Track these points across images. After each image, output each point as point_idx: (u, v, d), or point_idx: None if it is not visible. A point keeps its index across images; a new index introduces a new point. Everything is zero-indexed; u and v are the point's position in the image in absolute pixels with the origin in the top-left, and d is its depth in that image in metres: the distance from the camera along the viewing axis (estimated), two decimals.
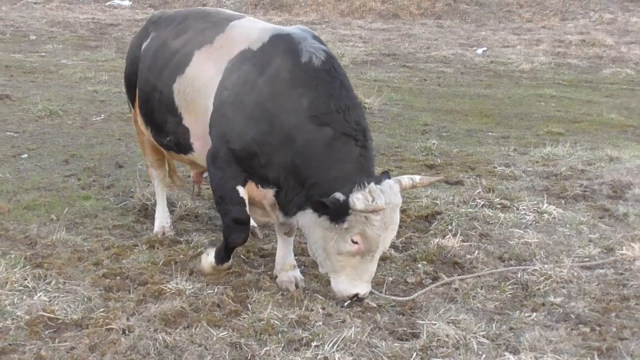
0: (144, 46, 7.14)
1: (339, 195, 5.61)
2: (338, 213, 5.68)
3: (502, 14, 29.93)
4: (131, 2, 31.00)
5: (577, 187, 9.47)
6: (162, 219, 7.76)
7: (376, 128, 12.87)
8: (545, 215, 8.32)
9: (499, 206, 8.64)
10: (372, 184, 5.65)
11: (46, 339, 5.51)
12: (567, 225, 8.07)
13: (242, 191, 6.09)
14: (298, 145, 5.85)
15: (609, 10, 29.48)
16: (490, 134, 12.93)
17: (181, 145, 6.69)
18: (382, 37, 25.61)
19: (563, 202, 8.92)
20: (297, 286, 6.54)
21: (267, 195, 6.15)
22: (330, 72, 5.97)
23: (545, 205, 8.54)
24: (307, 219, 5.98)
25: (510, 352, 5.38)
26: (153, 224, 7.92)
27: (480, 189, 9.15)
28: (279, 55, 6.05)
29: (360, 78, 18.17)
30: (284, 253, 6.69)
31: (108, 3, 31.09)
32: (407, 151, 11.33)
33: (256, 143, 5.92)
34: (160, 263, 6.93)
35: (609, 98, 16.57)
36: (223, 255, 6.28)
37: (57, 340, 5.48)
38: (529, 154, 11.29)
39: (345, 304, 6.01)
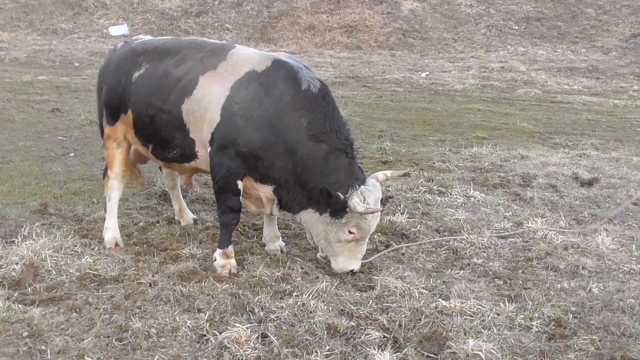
0: (136, 75, 6.42)
1: (340, 194, 5.70)
2: (338, 208, 5.76)
3: (441, 47, 29.99)
4: (151, 37, 30.89)
5: (496, 177, 9.57)
6: (114, 231, 6.79)
7: None
8: (472, 199, 8.42)
9: (436, 192, 8.72)
10: (362, 187, 5.76)
11: (92, 290, 5.63)
12: (488, 206, 8.17)
13: (240, 184, 6.03)
14: (299, 157, 5.83)
15: (522, 44, 29.61)
16: (430, 138, 12.97)
17: (186, 155, 6.27)
18: (348, 64, 25.61)
19: (485, 189, 9.01)
20: (281, 252, 6.62)
21: (266, 190, 6.08)
22: (325, 98, 5.93)
23: (472, 191, 8.64)
24: (309, 216, 6.02)
25: (443, 299, 5.48)
26: (171, 206, 8.00)
27: (422, 179, 9.25)
28: (282, 81, 5.90)
29: None
30: (270, 228, 6.70)
31: (134, 37, 30.97)
32: (366, 151, 11.36)
33: (262, 150, 5.83)
34: (177, 234, 7.03)
35: (521, 111, 16.68)
36: (224, 239, 6.18)
37: (100, 290, 5.60)
38: (460, 153, 11.37)
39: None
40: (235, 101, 5.87)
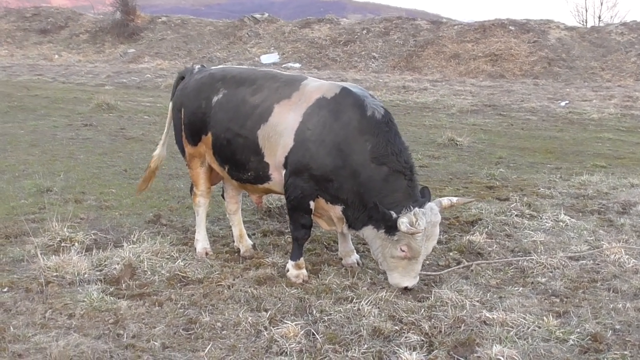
0: (215, 99, 6.95)
1: (392, 213, 6.10)
2: (390, 226, 6.15)
3: (587, 75, 29.48)
4: (300, 65, 32.18)
5: (596, 204, 9.59)
6: (203, 242, 7.51)
7: (461, 160, 13.32)
8: (560, 223, 8.49)
9: (527, 216, 8.87)
10: (417, 209, 6.07)
11: (176, 289, 6.34)
12: (574, 231, 8.24)
13: (312, 204, 6.55)
14: (362, 179, 6.26)
15: None
16: (547, 165, 12.97)
17: (260, 177, 6.78)
18: (487, 92, 25.67)
19: (580, 214, 9.07)
20: (358, 264, 7.09)
21: (336, 210, 6.56)
22: (387, 124, 6.38)
23: (562, 215, 8.72)
24: (369, 232, 6.43)
25: (488, 310, 5.77)
26: (273, 221, 8.69)
27: (517, 203, 9.42)
28: (350, 108, 6.36)
29: (461, 123, 18.57)
30: (345, 244, 7.15)
31: (283, 65, 32.38)
32: (476, 176, 11.66)
33: (333, 173, 6.30)
34: (266, 244, 7.70)
35: None
36: (296, 252, 6.70)
37: (183, 289, 6.31)
38: (570, 180, 11.32)
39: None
40: (308, 127, 6.39)
